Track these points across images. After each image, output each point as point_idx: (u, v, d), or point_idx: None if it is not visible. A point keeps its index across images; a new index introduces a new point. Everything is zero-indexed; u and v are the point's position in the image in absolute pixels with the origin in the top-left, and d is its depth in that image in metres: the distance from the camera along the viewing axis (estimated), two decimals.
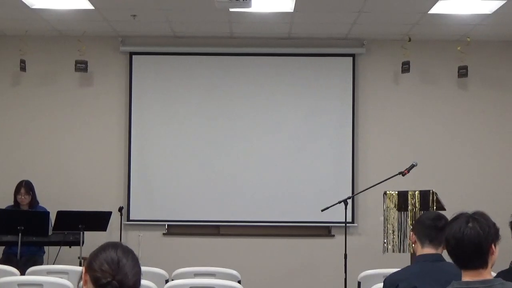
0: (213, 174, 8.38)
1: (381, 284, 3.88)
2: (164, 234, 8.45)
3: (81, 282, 2.25)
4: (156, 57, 8.54)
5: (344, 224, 6.85)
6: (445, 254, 3.69)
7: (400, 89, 8.55)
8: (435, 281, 3.52)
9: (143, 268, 2.29)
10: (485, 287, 2.70)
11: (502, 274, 3.61)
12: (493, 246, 2.76)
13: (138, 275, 2.24)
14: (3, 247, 7.48)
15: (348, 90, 8.49)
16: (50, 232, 7.12)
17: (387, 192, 5.97)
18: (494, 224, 2.84)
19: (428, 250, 3.74)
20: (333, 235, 8.39)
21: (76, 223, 7.09)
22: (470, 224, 2.76)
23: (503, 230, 3.19)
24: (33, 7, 7.21)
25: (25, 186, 7.52)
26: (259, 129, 8.45)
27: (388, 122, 8.54)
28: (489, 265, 2.77)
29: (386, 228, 5.88)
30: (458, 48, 8.16)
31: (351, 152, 8.42)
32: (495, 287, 2.71)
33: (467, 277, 2.75)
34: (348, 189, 8.22)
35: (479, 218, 2.80)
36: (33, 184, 7.63)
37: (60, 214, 7.12)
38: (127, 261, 2.22)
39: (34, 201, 7.56)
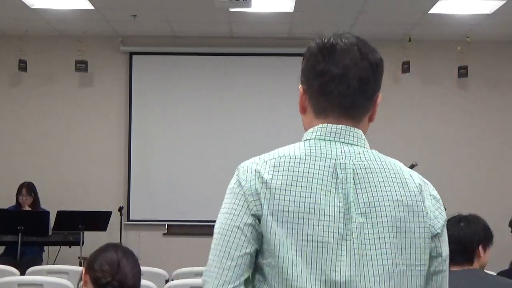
0: (213, 174, 8.38)
1: None
2: (164, 234, 8.46)
3: (81, 283, 2.26)
4: (156, 57, 8.54)
5: None
6: None
7: (400, 89, 8.55)
8: None
9: (143, 268, 2.31)
10: (468, 275, 2.82)
11: (502, 275, 3.61)
12: (480, 248, 2.88)
13: (138, 275, 2.25)
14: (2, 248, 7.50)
15: None
16: (50, 232, 7.13)
17: None
18: (486, 229, 2.96)
19: None
20: None
21: (76, 223, 7.09)
22: (462, 224, 2.90)
23: (503, 230, 3.20)
24: (33, 7, 7.21)
25: (27, 187, 7.51)
26: (259, 129, 8.45)
27: (388, 122, 8.53)
28: (476, 264, 2.89)
29: None
30: (458, 48, 8.17)
31: None
32: (477, 275, 2.82)
33: (453, 268, 2.87)
34: None
35: (471, 219, 2.92)
36: (34, 185, 7.63)
37: (60, 214, 7.13)
38: (127, 262, 2.23)
39: (36, 203, 7.54)
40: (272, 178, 1.57)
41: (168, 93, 8.49)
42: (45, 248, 7.57)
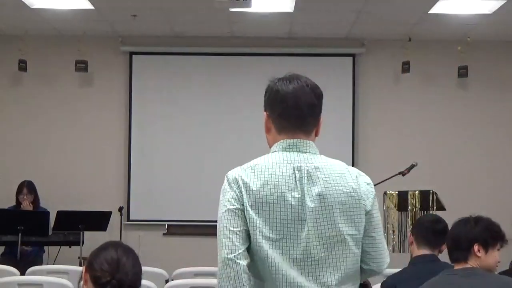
0: (213, 174, 8.36)
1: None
2: (164, 234, 8.45)
3: (82, 282, 2.25)
4: (156, 57, 8.54)
5: None
6: (442, 256, 3.71)
7: (400, 89, 8.54)
8: None
9: (143, 268, 2.30)
10: (466, 273, 2.90)
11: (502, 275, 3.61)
12: (475, 247, 2.92)
13: (138, 274, 2.24)
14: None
15: (348, 90, 8.49)
16: (50, 232, 7.13)
17: (387, 192, 5.96)
18: (487, 230, 3.01)
19: (424, 251, 3.76)
20: None
21: (76, 223, 7.08)
22: (460, 223, 3.02)
23: (503, 230, 3.20)
24: (33, 7, 7.21)
25: (28, 186, 7.52)
26: (260, 129, 8.41)
27: (388, 122, 8.54)
28: (473, 263, 2.94)
29: (386, 228, 5.88)
30: (458, 48, 8.16)
31: (351, 152, 8.42)
32: (475, 273, 2.85)
33: (456, 266, 3.02)
34: None
35: (471, 220, 2.99)
36: (34, 184, 7.63)
37: (60, 214, 7.12)
38: (127, 261, 2.22)
39: (36, 202, 7.56)
40: (250, 180, 2.23)
41: (168, 93, 8.49)
42: (45, 248, 7.57)
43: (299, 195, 2.20)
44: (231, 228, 2.18)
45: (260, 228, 2.18)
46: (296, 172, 2.23)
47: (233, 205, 2.21)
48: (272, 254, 2.17)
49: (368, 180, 2.32)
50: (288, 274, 2.17)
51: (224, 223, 2.20)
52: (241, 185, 2.22)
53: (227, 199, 2.24)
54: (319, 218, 2.20)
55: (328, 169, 2.27)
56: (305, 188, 2.21)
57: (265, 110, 2.38)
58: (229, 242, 2.17)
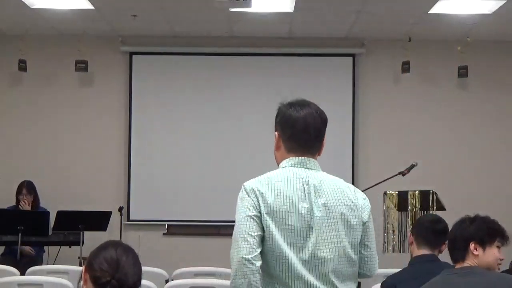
0: (213, 174, 8.37)
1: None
2: (164, 234, 8.45)
3: (82, 281, 2.25)
4: (156, 57, 8.54)
5: None
6: (442, 256, 3.70)
7: (400, 89, 8.54)
8: None
9: (143, 268, 2.29)
10: (464, 273, 2.91)
11: None
12: (471, 246, 2.94)
13: (138, 274, 2.23)
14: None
15: (348, 90, 8.49)
16: (50, 232, 7.12)
17: (387, 192, 5.96)
18: (483, 229, 3.02)
19: (424, 251, 3.76)
20: None
21: (76, 223, 7.08)
22: (457, 223, 3.05)
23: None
24: (33, 7, 7.21)
25: (27, 186, 7.53)
26: (259, 129, 8.43)
27: (388, 122, 8.53)
28: (470, 261, 2.97)
29: (386, 228, 5.88)
30: (458, 48, 8.15)
31: (351, 152, 8.42)
32: (474, 272, 2.86)
33: (456, 266, 3.03)
34: None
35: (466, 219, 3.02)
36: (34, 184, 7.64)
37: (60, 214, 7.12)
38: (127, 260, 2.21)
39: (36, 202, 7.56)
40: (266, 191, 2.52)
41: (168, 93, 8.49)
42: (45, 248, 7.57)
43: (308, 206, 2.51)
44: (250, 232, 2.46)
45: (275, 233, 2.47)
46: (305, 185, 2.54)
47: (252, 212, 2.48)
48: (285, 255, 2.46)
49: (364, 195, 2.66)
50: (298, 273, 2.46)
51: (243, 228, 2.47)
52: (258, 194, 2.51)
53: (246, 206, 2.50)
54: (324, 226, 2.51)
55: (331, 184, 2.58)
56: (313, 200, 2.52)
57: (276, 130, 2.71)
58: (247, 245, 2.44)
